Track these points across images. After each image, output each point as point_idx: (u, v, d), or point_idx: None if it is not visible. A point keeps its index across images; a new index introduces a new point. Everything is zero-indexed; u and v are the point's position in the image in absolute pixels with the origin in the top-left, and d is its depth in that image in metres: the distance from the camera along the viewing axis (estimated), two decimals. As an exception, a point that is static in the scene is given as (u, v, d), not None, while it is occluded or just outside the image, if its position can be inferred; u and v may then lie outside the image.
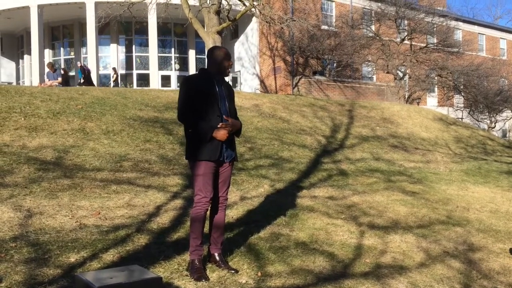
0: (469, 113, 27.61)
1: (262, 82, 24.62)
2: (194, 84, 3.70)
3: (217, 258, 3.86)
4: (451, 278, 4.29)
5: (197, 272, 3.57)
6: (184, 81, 3.76)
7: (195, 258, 3.64)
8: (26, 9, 23.28)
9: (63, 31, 27.18)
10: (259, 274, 3.81)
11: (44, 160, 6.34)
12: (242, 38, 25.82)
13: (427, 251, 4.93)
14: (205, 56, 22.28)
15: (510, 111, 28.23)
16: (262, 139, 9.47)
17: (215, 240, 3.87)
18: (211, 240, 3.90)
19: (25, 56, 27.91)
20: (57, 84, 14.48)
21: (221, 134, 3.60)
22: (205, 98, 3.65)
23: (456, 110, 28.18)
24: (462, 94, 26.15)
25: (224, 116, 3.69)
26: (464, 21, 31.57)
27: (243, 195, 6.27)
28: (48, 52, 26.51)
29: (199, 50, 26.43)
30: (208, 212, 3.82)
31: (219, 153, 3.66)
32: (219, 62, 3.75)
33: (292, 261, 4.19)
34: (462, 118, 26.98)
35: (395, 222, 5.88)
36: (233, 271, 3.76)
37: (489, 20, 55.88)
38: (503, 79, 30.28)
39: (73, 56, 26.57)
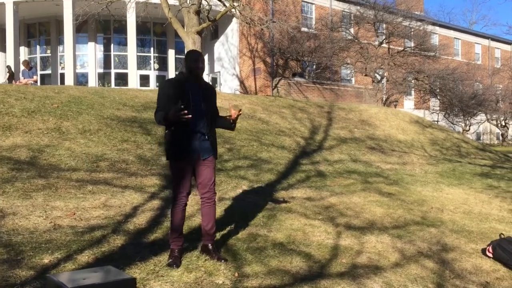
0: (444, 116, 28.18)
1: (242, 83, 24.63)
2: (167, 87, 3.93)
3: (210, 247, 4.09)
4: (425, 278, 4.37)
5: (172, 258, 3.89)
6: (159, 84, 4.05)
7: (174, 248, 3.96)
8: (1, 5, 22.75)
9: (39, 29, 26.68)
10: (236, 274, 3.82)
11: (18, 159, 6.22)
12: (222, 38, 25.79)
13: (402, 251, 5.01)
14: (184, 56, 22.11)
15: (484, 115, 28.92)
16: (241, 140, 9.47)
17: (206, 232, 4.11)
18: (203, 232, 4.14)
19: (0, 54, 27.29)
20: (32, 82, 14.18)
21: (171, 114, 3.66)
22: (176, 97, 3.82)
23: (432, 113, 28.73)
24: (438, 97, 26.68)
25: (192, 107, 3.83)
26: (441, 26, 32.19)
27: (221, 196, 6.26)
28: (23, 50, 25.97)
29: (179, 50, 26.28)
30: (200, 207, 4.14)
31: (187, 152, 3.87)
32: (189, 65, 3.96)
33: (269, 261, 4.20)
34: (437, 121, 27.51)
35: (371, 223, 5.96)
36: (222, 261, 3.98)
37: (464, 25, 57.20)
38: (477, 83, 31.02)
39: (50, 54, 26.10)
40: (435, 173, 10.66)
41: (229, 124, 4.10)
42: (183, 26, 15.44)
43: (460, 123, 28.47)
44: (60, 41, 25.04)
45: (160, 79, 26.39)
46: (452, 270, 4.71)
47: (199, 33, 14.92)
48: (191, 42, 14.66)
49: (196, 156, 3.92)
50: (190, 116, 3.68)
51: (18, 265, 3.52)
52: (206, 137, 3.96)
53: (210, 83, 4.23)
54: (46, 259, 3.67)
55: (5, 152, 6.38)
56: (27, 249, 3.84)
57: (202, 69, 4.01)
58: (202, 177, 4.00)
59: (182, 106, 3.64)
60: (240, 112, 4.07)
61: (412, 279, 4.29)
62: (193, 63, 3.93)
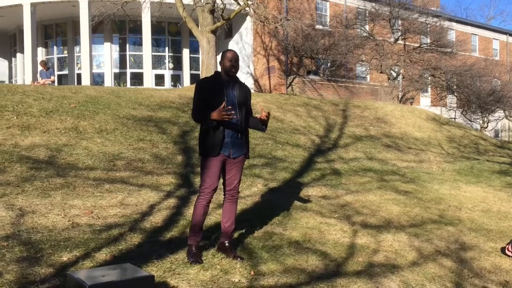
0: (462, 113, 27.76)
1: (256, 81, 24.62)
2: (204, 85, 4.01)
3: (227, 245, 4.12)
4: (443, 277, 4.32)
5: (193, 256, 3.90)
6: (196, 83, 4.08)
7: (192, 244, 3.96)
8: (19, 7, 23.10)
9: (56, 30, 27.02)
10: (252, 273, 3.82)
11: (37, 159, 6.31)
12: (236, 37, 25.80)
13: (420, 250, 4.96)
14: (199, 55, 22.23)
15: (502, 111, 28.42)
16: (255, 139, 9.47)
17: (225, 229, 4.13)
18: (221, 230, 4.17)
19: (18, 55, 27.72)
20: (49, 82, 14.39)
21: (215, 113, 3.79)
22: (213, 100, 3.90)
23: (449, 110, 28.32)
24: (455, 94, 26.27)
25: (227, 106, 3.90)
26: (458, 22, 31.73)
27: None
28: (41, 51, 26.34)
29: (193, 49, 26.37)
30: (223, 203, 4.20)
31: (218, 149, 3.91)
32: (225, 65, 4.01)
33: (285, 260, 4.20)
34: (455, 118, 27.14)
35: (388, 221, 5.91)
36: (239, 259, 4.00)
37: (482, 21, 56.26)
38: (495, 79, 30.48)
39: (67, 55, 26.43)
40: (452, 171, 10.52)
41: (260, 125, 4.14)
42: (197, 25, 15.51)
43: (478, 120, 28.01)
44: (77, 42, 25.32)
45: (175, 78, 26.52)
46: (470, 269, 4.64)
47: (213, 32, 14.97)
48: (205, 41, 14.71)
49: (227, 154, 3.98)
50: (234, 115, 3.83)
51: (38, 262, 3.58)
52: (239, 135, 4.03)
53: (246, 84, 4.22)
54: (65, 257, 3.72)
55: (24, 152, 6.48)
56: (46, 247, 3.89)
57: (237, 69, 4.04)
58: (229, 175, 4.07)
59: (230, 107, 3.78)
60: (269, 113, 4.09)
61: (430, 278, 4.25)
62: (228, 62, 3.98)
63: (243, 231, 4.87)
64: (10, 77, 29.11)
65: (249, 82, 24.81)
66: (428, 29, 24.38)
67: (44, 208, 4.83)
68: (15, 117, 7.75)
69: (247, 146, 4.16)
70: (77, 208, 4.97)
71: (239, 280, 3.65)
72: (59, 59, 26.86)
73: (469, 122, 27.72)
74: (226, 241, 4.14)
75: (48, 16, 25.12)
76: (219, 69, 4.31)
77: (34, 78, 20.09)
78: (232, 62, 3.99)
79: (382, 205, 6.64)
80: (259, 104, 12.83)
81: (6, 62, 29.31)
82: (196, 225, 3.97)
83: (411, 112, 16.82)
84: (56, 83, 16.85)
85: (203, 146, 3.97)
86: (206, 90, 3.95)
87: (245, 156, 4.14)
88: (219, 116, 3.77)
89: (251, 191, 6.56)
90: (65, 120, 8.08)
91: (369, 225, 5.64)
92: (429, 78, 24.97)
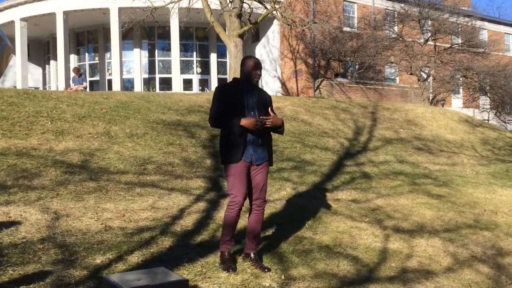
0: (495, 114, 26.97)
1: (283, 84, 24.58)
2: (224, 91, 3.96)
3: (252, 256, 4.03)
4: (480, 284, 4.19)
5: (225, 262, 3.87)
6: (216, 89, 4.03)
7: (224, 251, 3.93)
8: (52, 15, 23.82)
9: (87, 37, 27.71)
10: (283, 277, 3.80)
11: (71, 163, 6.46)
12: (263, 40, 25.85)
13: (454, 255, 4.83)
14: (227, 60, 22.38)
15: (538, 112, 27.45)
16: (284, 142, 9.44)
17: (250, 241, 4.05)
18: (246, 240, 4.09)
19: (51, 62, 28.55)
20: (82, 88, 14.73)
21: (249, 121, 3.78)
22: (233, 105, 3.86)
23: (482, 111, 27.55)
24: (488, 95, 25.55)
25: (249, 112, 3.88)
26: (490, 21, 30.89)
27: (266, 198, 6.24)
28: (73, 58, 27.05)
29: (221, 53, 26.57)
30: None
31: (241, 155, 3.84)
32: (247, 72, 3.96)
33: (315, 264, 4.15)
34: (488, 120, 26.39)
35: (421, 225, 5.78)
36: (266, 270, 3.89)
37: (515, 20, 54.51)
38: (531, 79, 29.48)
39: (98, 61, 27.05)
40: (487, 174, 10.22)
41: (277, 128, 4.03)
42: (225, 29, 15.62)
43: (512, 121, 27.16)
44: (107, 48, 25.90)
45: (203, 82, 26.78)
46: (508, 275, 4.49)
47: (240, 36, 15.04)
48: (233, 45, 14.79)
49: (249, 161, 3.90)
50: (268, 124, 3.83)
51: (72, 265, 3.65)
52: (260, 142, 3.93)
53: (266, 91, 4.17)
54: (98, 260, 3.79)
55: (59, 156, 6.65)
56: (80, 249, 3.97)
57: (260, 76, 4.00)
58: (254, 183, 3.98)
59: (263, 117, 3.81)
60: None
61: (466, 284, 4.12)
62: (253, 69, 3.93)
63: (273, 235, 4.85)
64: (44, 83, 30.01)
65: (276, 86, 24.80)
66: (459, 29, 23.80)
67: (78, 212, 4.93)
68: (49, 123, 7.97)
69: (270, 153, 4.05)
70: (109, 211, 5.06)
71: (270, 285, 3.64)
72: (90, 65, 27.52)
73: (504, 123, 26.91)
74: (251, 252, 4.04)
75: (79, 23, 25.80)
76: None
77: (67, 85, 20.64)
78: (257, 71, 3.95)
79: (414, 209, 6.50)
80: (287, 108, 12.79)
81: (40, 69, 30.23)
82: (228, 233, 3.91)
83: (442, 114, 16.46)
84: (88, 89, 17.24)
85: (224, 152, 3.91)
86: (227, 96, 3.90)
87: (268, 163, 4.03)
88: (252, 125, 3.76)
89: (280, 194, 6.53)
90: (97, 125, 8.25)
91: (401, 229, 5.53)
92: (461, 79, 24.36)
